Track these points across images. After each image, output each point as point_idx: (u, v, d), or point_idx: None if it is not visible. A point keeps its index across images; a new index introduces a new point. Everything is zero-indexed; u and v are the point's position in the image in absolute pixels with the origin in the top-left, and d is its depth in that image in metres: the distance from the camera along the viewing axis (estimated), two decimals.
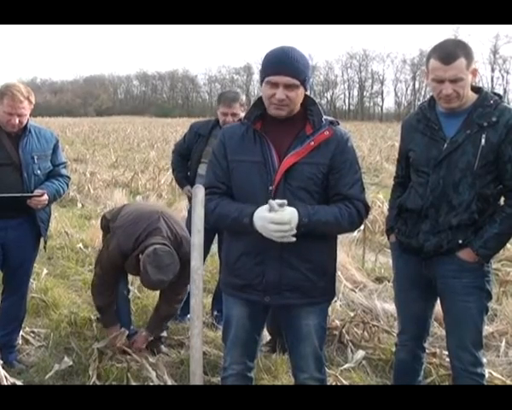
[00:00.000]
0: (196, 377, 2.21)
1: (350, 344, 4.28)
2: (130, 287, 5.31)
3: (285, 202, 2.38)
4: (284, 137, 2.55)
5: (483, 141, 2.68)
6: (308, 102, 2.59)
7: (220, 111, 4.50)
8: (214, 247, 4.84)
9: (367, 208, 2.62)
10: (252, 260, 2.59)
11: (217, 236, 4.61)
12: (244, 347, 2.77)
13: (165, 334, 4.32)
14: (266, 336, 4.30)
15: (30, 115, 3.72)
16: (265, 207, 2.40)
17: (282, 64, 2.44)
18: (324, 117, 2.58)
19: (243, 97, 4.70)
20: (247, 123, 2.60)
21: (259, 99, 2.60)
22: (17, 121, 3.55)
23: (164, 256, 3.51)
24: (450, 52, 2.66)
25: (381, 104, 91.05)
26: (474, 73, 2.72)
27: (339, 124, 2.63)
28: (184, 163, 4.83)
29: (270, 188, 2.50)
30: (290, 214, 2.38)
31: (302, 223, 2.40)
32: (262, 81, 2.53)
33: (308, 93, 2.60)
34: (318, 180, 2.53)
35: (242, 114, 4.41)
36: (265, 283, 2.57)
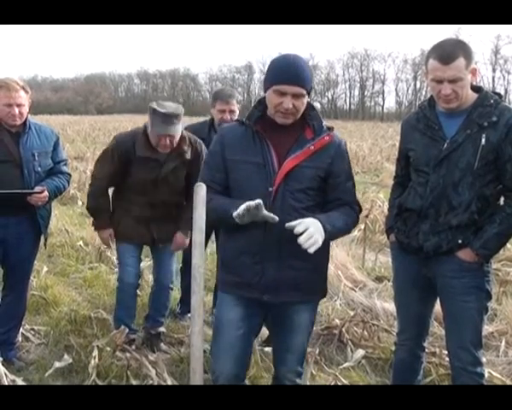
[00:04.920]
0: (197, 376, 2.21)
1: (349, 343, 4.29)
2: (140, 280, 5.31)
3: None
4: (284, 140, 2.59)
5: (483, 141, 2.68)
6: (307, 107, 2.62)
7: (217, 109, 4.44)
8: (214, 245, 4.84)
9: (360, 209, 2.78)
10: (250, 259, 2.61)
11: (214, 234, 4.60)
12: (237, 355, 2.68)
13: (163, 330, 4.33)
14: (265, 334, 4.31)
15: (30, 113, 3.71)
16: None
17: (292, 74, 2.47)
18: (324, 123, 2.65)
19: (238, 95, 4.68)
20: (248, 123, 2.62)
21: (260, 101, 2.63)
22: (17, 111, 3.55)
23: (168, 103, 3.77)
24: (449, 52, 2.65)
25: (382, 104, 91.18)
26: (474, 72, 2.71)
27: (333, 129, 2.69)
28: None
29: (270, 189, 2.53)
30: (313, 224, 2.41)
31: (326, 229, 2.45)
32: (267, 89, 2.55)
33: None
34: (316, 183, 2.60)
35: (237, 112, 4.41)
36: (264, 281, 2.60)
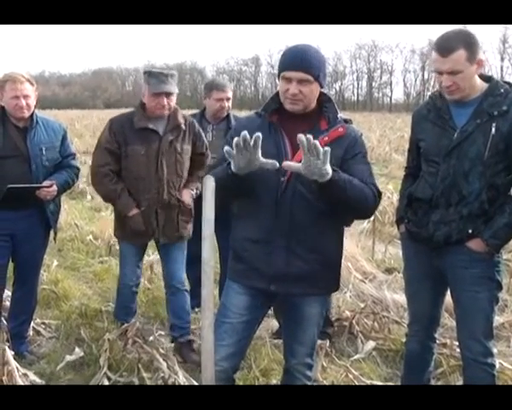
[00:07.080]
0: (208, 369, 2.21)
1: (360, 335, 4.29)
2: (141, 279, 5.33)
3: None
4: (299, 131, 2.54)
5: (493, 130, 2.66)
6: (323, 99, 2.63)
7: (214, 98, 4.44)
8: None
9: (379, 194, 2.64)
10: (260, 248, 2.61)
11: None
12: (237, 340, 2.69)
13: (192, 337, 4.15)
14: (275, 326, 4.31)
15: (38, 108, 3.72)
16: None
17: (297, 60, 2.50)
18: (339, 115, 2.62)
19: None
20: (264, 114, 2.64)
21: (277, 94, 2.63)
22: (24, 103, 3.55)
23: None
24: (447, 44, 2.64)
25: (389, 95, 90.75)
26: (480, 63, 2.67)
27: (352, 122, 2.68)
28: None
29: (282, 179, 2.53)
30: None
31: (333, 172, 2.34)
32: (279, 77, 2.58)
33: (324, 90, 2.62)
34: None
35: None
36: (273, 271, 2.59)
